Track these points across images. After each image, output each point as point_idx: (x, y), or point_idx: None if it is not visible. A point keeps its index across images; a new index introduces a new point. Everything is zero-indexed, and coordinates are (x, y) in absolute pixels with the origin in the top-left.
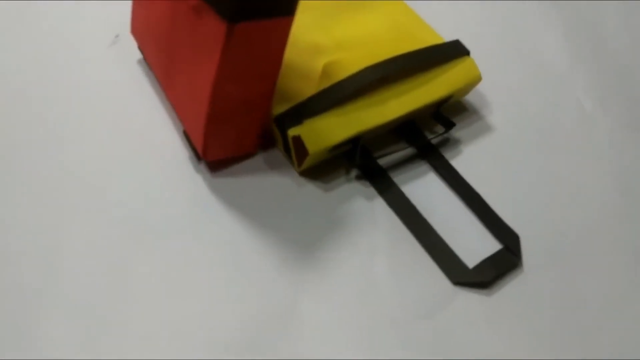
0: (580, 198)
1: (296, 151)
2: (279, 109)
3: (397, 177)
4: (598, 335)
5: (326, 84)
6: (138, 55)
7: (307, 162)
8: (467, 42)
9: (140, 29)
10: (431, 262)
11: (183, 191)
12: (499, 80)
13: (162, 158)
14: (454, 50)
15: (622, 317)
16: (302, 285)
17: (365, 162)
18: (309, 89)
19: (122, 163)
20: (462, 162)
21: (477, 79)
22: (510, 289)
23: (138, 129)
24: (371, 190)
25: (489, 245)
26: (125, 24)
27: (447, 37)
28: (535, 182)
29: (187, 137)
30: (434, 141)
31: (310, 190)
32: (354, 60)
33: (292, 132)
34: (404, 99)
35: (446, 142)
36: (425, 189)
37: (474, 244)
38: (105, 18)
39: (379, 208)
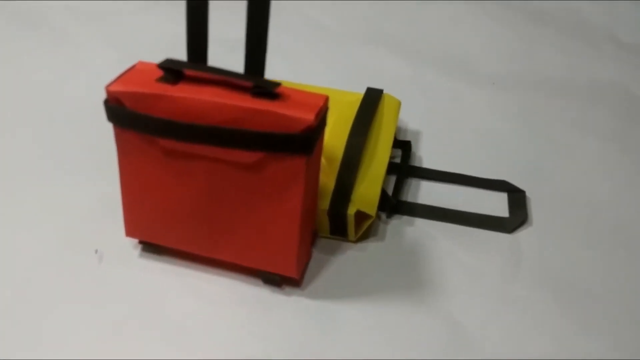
0: (502, 135)
1: (357, 223)
2: (324, 204)
3: (409, 198)
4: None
5: (334, 165)
6: (133, 252)
7: (363, 228)
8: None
9: (144, 225)
10: (483, 231)
11: (293, 316)
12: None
13: (254, 305)
14: (375, 94)
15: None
16: (450, 296)
17: (393, 200)
18: (325, 177)
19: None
20: (433, 159)
21: (399, 104)
22: (534, 212)
23: (205, 302)
24: (406, 218)
25: (497, 197)
26: (90, 237)
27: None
28: (476, 141)
29: (264, 273)
30: (407, 160)
31: (372, 247)
32: (332, 138)
33: (351, 210)
34: (382, 144)
35: (413, 156)
36: (430, 193)
37: (489, 204)
38: (62, 242)
39: (422, 224)
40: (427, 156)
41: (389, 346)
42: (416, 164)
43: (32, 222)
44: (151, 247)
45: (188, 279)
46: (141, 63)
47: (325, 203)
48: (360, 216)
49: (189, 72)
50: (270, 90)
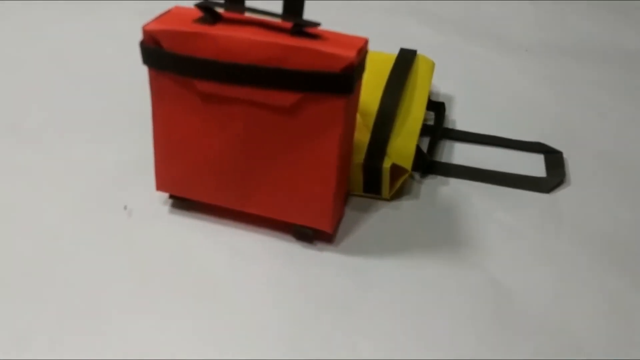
0: (535, 98)
1: (392, 177)
2: (359, 158)
3: (443, 159)
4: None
5: (368, 120)
6: (162, 208)
7: (398, 184)
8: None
9: (177, 178)
10: (521, 191)
11: (324, 271)
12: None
13: (288, 260)
14: (409, 54)
15: None
16: (488, 254)
17: (428, 158)
18: (359, 132)
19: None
20: (463, 123)
21: (433, 65)
22: (572, 173)
23: (237, 256)
24: (440, 178)
25: (533, 158)
26: (120, 193)
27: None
28: (510, 106)
29: (298, 226)
30: (441, 122)
31: (407, 205)
32: (367, 95)
33: (387, 163)
34: (416, 101)
35: (446, 118)
36: (465, 154)
37: (525, 164)
38: (93, 198)
39: (458, 184)
40: (460, 119)
41: (428, 303)
42: (450, 126)
43: (64, 178)
44: (181, 202)
45: (218, 235)
46: (177, 7)
47: (360, 157)
48: (395, 171)
49: (226, 13)
50: (309, 30)
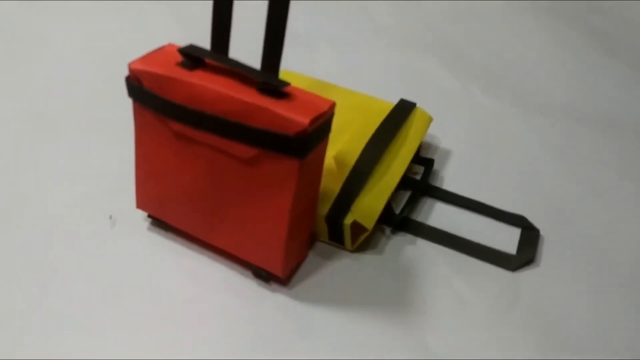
0: (535, 170)
1: (353, 233)
2: (324, 209)
3: (419, 217)
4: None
5: (344, 171)
6: (143, 224)
7: (360, 239)
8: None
9: (153, 201)
10: (487, 265)
11: (271, 311)
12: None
13: (233, 294)
14: (406, 107)
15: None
16: (432, 321)
17: (398, 216)
18: (332, 182)
19: (202, 315)
20: (450, 183)
21: (430, 120)
22: (545, 254)
23: (194, 280)
24: (409, 237)
25: (511, 232)
26: (109, 203)
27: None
28: (504, 172)
29: (253, 267)
30: (426, 178)
31: (368, 259)
32: (350, 145)
33: (348, 220)
34: (400, 158)
35: (433, 174)
36: (442, 216)
37: (500, 237)
38: (84, 204)
39: (424, 245)
40: (451, 177)
41: (355, 357)
42: (437, 183)
43: (61, 176)
44: (158, 223)
45: (183, 258)
46: (170, 45)
47: (325, 208)
48: (358, 227)
49: (207, 60)
50: (276, 89)
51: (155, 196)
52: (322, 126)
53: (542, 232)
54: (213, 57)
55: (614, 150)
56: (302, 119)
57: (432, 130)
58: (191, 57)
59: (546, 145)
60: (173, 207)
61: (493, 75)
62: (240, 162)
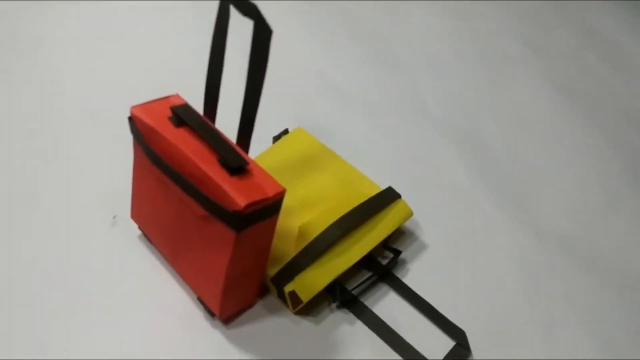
0: (500, 289)
1: (291, 300)
2: (272, 270)
3: (367, 301)
4: None
5: (303, 242)
6: (137, 231)
7: (297, 307)
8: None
9: (141, 216)
10: None
11: (204, 343)
12: (421, 205)
13: (180, 317)
14: (389, 196)
15: None
16: None
17: (343, 296)
18: (290, 249)
19: (146, 327)
20: (412, 277)
21: (410, 215)
22: None
23: (154, 294)
24: (351, 316)
25: (445, 342)
26: (121, 205)
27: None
28: (468, 284)
29: (201, 301)
30: (388, 266)
31: (305, 325)
32: (319, 219)
33: (288, 288)
34: (362, 243)
35: (397, 264)
36: (389, 306)
37: (433, 343)
38: (101, 200)
39: (359, 329)
40: (416, 271)
41: None
42: (400, 274)
43: (75, 177)
44: (144, 235)
45: (153, 271)
46: (176, 96)
47: (274, 270)
48: (296, 297)
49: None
50: (232, 167)
51: (143, 212)
52: (264, 209)
53: (474, 355)
54: (193, 124)
55: (587, 288)
56: (240, 201)
57: (422, 221)
58: (177, 116)
59: (522, 272)
60: (152, 227)
61: (505, 185)
62: (197, 216)
